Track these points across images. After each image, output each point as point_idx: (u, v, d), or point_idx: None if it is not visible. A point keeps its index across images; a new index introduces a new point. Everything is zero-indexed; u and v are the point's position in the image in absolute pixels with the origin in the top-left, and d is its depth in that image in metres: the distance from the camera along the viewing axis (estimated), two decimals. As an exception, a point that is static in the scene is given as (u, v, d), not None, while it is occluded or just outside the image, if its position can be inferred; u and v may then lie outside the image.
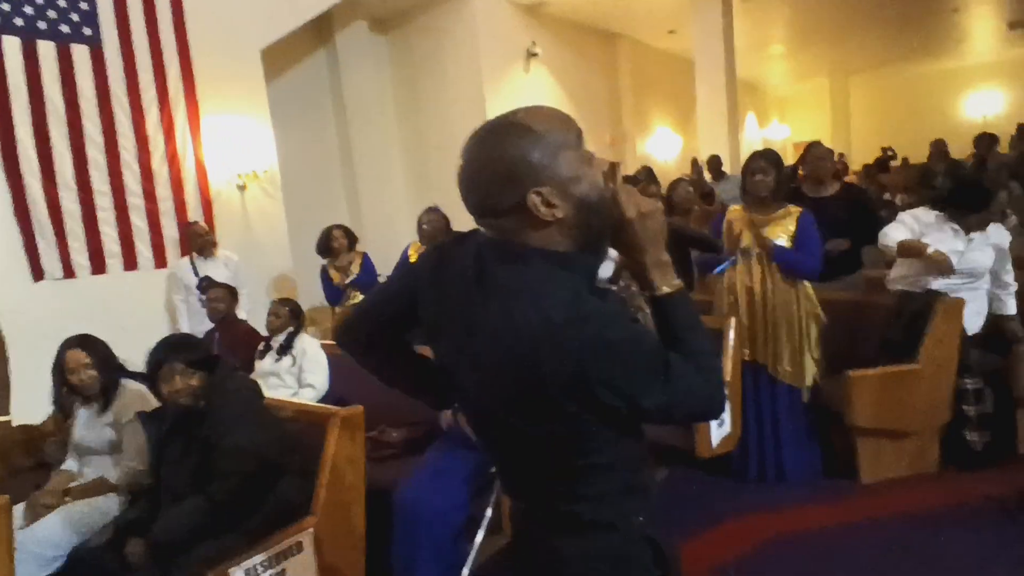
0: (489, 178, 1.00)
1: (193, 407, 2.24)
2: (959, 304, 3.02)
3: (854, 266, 3.79)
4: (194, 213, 5.28)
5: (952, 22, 12.06)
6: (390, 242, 4.97)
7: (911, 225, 3.18)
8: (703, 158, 8.16)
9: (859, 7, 10.42)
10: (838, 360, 3.19)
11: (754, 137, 15.52)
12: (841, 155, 15.28)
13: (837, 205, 3.61)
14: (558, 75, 9.40)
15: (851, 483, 3.17)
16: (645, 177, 7.14)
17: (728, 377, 3.07)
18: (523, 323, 0.95)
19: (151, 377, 2.27)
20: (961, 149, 8.77)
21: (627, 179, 8.75)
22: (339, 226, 4.90)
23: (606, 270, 1.22)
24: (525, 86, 8.86)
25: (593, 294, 1.01)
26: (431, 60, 8.49)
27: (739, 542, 2.82)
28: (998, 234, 3.11)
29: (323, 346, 3.49)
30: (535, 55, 8.76)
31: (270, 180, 5.93)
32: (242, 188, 5.73)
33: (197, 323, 4.50)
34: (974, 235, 3.07)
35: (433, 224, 4.36)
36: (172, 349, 2.27)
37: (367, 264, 4.83)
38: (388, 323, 1.26)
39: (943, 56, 14.88)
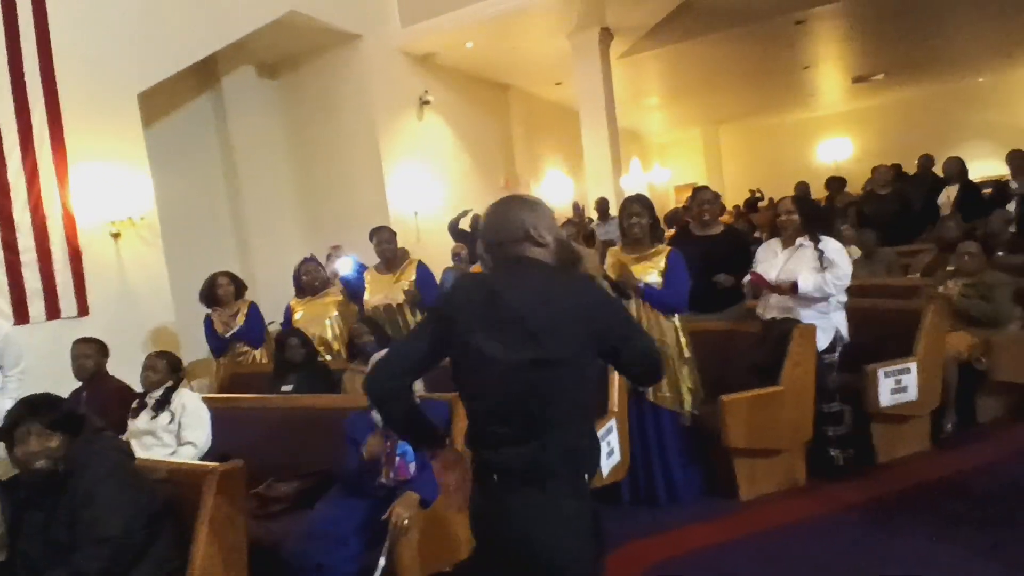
0: (515, 223, 1.61)
1: (52, 472, 2.07)
2: (812, 329, 3.35)
3: (737, 297, 4.12)
4: (60, 263, 4.92)
5: (805, 78, 13.49)
6: (283, 290, 4.84)
7: (756, 264, 3.59)
8: (591, 201, 8.56)
9: (722, 64, 11.45)
10: (714, 385, 3.42)
11: (640, 180, 16.46)
12: (716, 196, 16.48)
13: (721, 243, 3.92)
14: (452, 122, 9.63)
15: (732, 501, 3.36)
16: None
17: (616, 408, 3.23)
18: (549, 289, 1.53)
19: (5, 439, 2.09)
20: (818, 190, 9.74)
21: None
22: (225, 273, 4.72)
23: None
24: (419, 133, 9.01)
25: (594, 283, 1.66)
26: (323, 106, 8.47)
27: (633, 567, 2.91)
28: (826, 244, 3.41)
29: (205, 400, 3.32)
30: (428, 103, 8.94)
31: (148, 227, 5.64)
32: (116, 236, 5.41)
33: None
34: (788, 250, 3.46)
35: (311, 274, 4.38)
36: (30, 409, 2.10)
37: (254, 313, 4.66)
38: (426, 368, 1.68)
39: (799, 108, 16.56)
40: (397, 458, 2.46)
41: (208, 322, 4.60)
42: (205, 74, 7.61)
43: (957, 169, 6.48)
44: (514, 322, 1.49)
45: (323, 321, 4.49)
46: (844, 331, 3.48)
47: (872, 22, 10.12)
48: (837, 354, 3.46)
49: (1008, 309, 4.02)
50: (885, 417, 3.55)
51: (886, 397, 3.48)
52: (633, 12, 8.20)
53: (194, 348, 5.32)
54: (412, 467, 2.43)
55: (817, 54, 12.04)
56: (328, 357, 4.37)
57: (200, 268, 5.05)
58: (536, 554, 1.47)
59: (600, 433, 3.01)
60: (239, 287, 4.71)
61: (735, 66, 11.70)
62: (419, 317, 4.30)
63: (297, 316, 4.55)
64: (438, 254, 7.19)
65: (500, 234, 1.61)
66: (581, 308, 1.50)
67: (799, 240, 3.46)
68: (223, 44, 6.56)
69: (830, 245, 3.43)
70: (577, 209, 10.22)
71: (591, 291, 1.57)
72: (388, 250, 4.44)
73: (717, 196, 4.41)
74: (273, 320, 5.09)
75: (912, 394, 3.52)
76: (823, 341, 3.43)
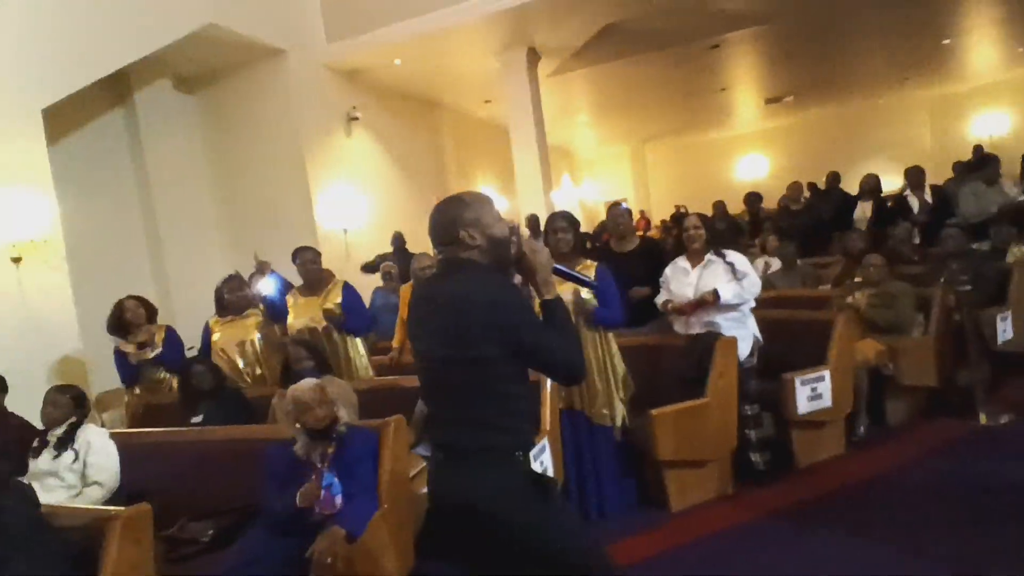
0: (446, 224, 1.71)
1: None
2: (733, 341, 3.47)
3: (656, 311, 4.22)
4: (-48, 290, 4.53)
5: (722, 99, 14.13)
6: (203, 315, 4.61)
7: (666, 283, 3.73)
8: (522, 217, 8.63)
9: (645, 84, 11.86)
10: (643, 399, 3.48)
11: (570, 196, 16.75)
12: (643, 211, 17.01)
13: (638, 257, 4.02)
14: (382, 139, 9.53)
15: (663, 512, 3.42)
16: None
17: (548, 426, 3.23)
18: (468, 291, 1.64)
19: None
20: (738, 205, 10.17)
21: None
22: (133, 297, 4.45)
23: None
24: (348, 149, 8.86)
25: (509, 285, 1.70)
26: (246, 122, 8.21)
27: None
28: (733, 257, 3.59)
29: (114, 435, 3.11)
30: (356, 119, 8.82)
31: (52, 250, 5.28)
32: (17, 260, 5.04)
33: None
34: (699, 267, 3.60)
35: (235, 292, 4.24)
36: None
37: (172, 337, 4.42)
38: None
39: (718, 127, 17.32)
40: (323, 491, 2.37)
41: (118, 350, 4.33)
42: (117, 88, 7.24)
43: (873, 185, 6.90)
44: (437, 323, 1.68)
45: (243, 343, 4.31)
46: (759, 335, 3.65)
47: (781, 47, 10.73)
48: (756, 358, 3.62)
49: (910, 316, 4.30)
50: (803, 424, 3.70)
51: (803, 404, 3.63)
52: (559, 33, 8.38)
53: (105, 378, 4.99)
54: (338, 500, 2.35)
55: (732, 77, 12.64)
56: (248, 381, 4.19)
57: (111, 293, 4.75)
58: (476, 519, 1.64)
59: (533, 453, 3.00)
60: (150, 311, 4.46)
61: (657, 87, 12.14)
62: (347, 340, 4.18)
63: (215, 337, 4.34)
64: (370, 274, 7.08)
65: (438, 238, 1.74)
66: (489, 311, 1.60)
67: (707, 256, 3.60)
68: (136, 57, 6.26)
69: (737, 257, 3.61)
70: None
71: (501, 294, 1.63)
72: (312, 271, 4.29)
73: (628, 211, 4.54)
74: (193, 346, 4.85)
75: (827, 400, 3.69)
76: (744, 348, 3.56)
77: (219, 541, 2.58)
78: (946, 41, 11.86)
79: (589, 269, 3.41)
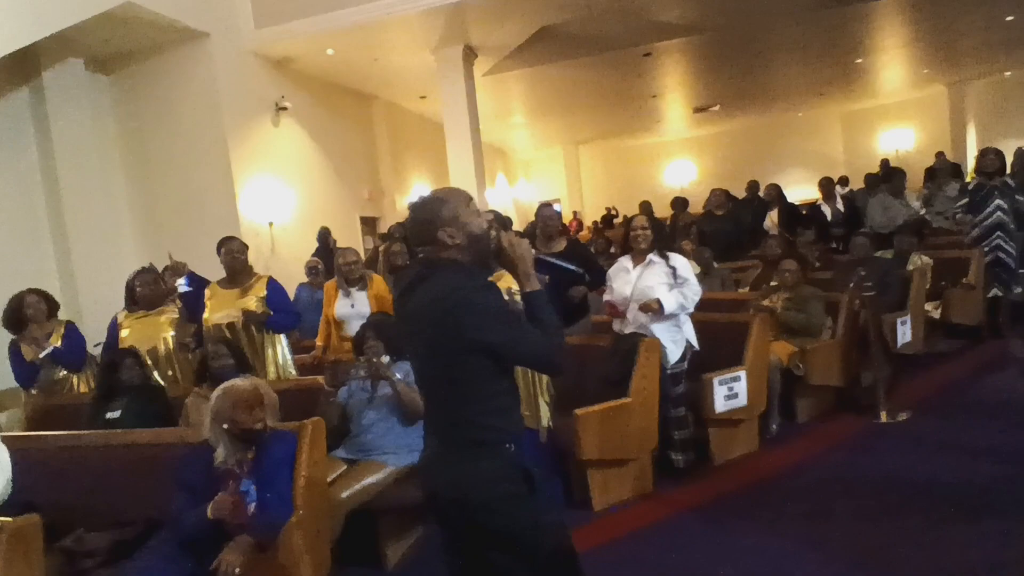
0: (422, 224, 1.73)
1: None
2: (656, 343, 3.56)
3: (583, 312, 4.28)
4: None
5: (653, 105, 14.52)
6: (113, 311, 4.34)
7: (609, 282, 3.78)
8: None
9: (580, 88, 12.04)
10: (568, 400, 3.52)
11: (505, 195, 16.81)
12: (576, 212, 17.28)
13: (565, 258, 4.05)
14: (312, 130, 9.27)
15: (586, 511, 3.46)
16: (398, 234, 7.29)
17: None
18: (437, 294, 1.66)
19: None
20: (665, 209, 10.47)
21: (381, 236, 8.87)
22: (34, 291, 4.12)
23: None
24: (275, 140, 8.58)
25: (483, 286, 1.68)
26: (165, 107, 7.81)
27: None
28: (675, 260, 3.68)
29: (5, 439, 2.87)
30: (284, 109, 8.54)
31: (-59, 238, 4.86)
32: (-101, 248, 4.61)
33: None
34: (640, 266, 3.67)
35: (148, 285, 4.04)
36: None
37: (72, 334, 4.14)
38: None
39: (649, 132, 17.79)
40: (235, 496, 2.27)
41: (14, 348, 4.02)
42: (23, 67, 6.73)
43: (775, 194, 7.36)
44: (416, 324, 1.73)
45: (155, 340, 4.09)
46: (694, 341, 3.73)
47: (709, 58, 11.13)
48: (686, 363, 3.71)
49: (820, 320, 4.53)
50: (720, 422, 3.84)
51: (720, 403, 3.77)
52: (495, 33, 8.38)
53: (1, 377, 4.64)
54: (251, 508, 2.25)
55: (663, 84, 13.01)
56: (160, 381, 3.99)
57: (8, 285, 4.42)
58: (464, 509, 1.70)
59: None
60: (51, 306, 4.16)
61: (591, 91, 12.34)
62: (268, 338, 4.03)
63: (124, 333, 4.09)
64: (296, 268, 6.86)
65: (417, 238, 1.77)
66: (459, 315, 1.63)
67: (650, 256, 3.67)
68: (44, 34, 5.83)
69: (679, 261, 3.67)
70: None
71: (470, 297, 1.64)
72: (239, 261, 4.10)
73: (557, 213, 4.60)
74: (99, 343, 4.57)
75: (743, 399, 3.84)
76: (676, 353, 3.65)
77: (119, 553, 2.43)
78: (858, 60, 12.62)
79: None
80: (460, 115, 8.70)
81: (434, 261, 1.72)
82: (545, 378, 3.45)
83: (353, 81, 9.95)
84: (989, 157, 5.55)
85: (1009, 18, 10.29)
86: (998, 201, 5.34)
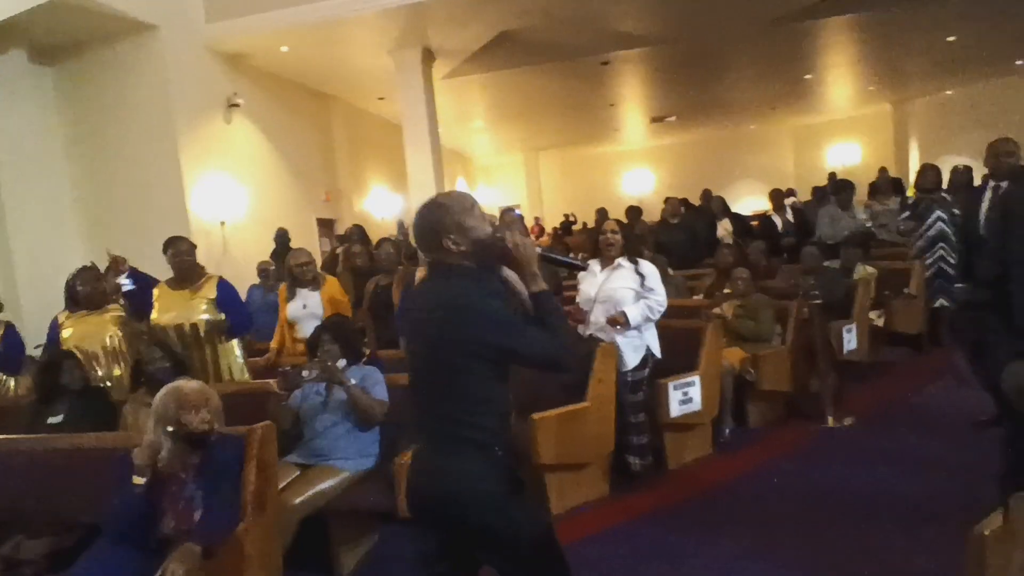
0: (427, 231, 1.75)
1: None
2: (612, 347, 3.59)
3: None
4: None
5: (611, 114, 14.73)
6: (55, 311, 4.13)
7: (579, 285, 3.80)
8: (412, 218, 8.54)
9: (539, 95, 12.12)
10: (526, 404, 3.51)
11: (464, 200, 16.77)
12: (537, 218, 17.37)
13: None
14: (266, 129, 9.08)
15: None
16: (357, 236, 7.20)
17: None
18: (444, 298, 1.72)
19: None
20: (621, 217, 10.62)
21: (339, 238, 8.74)
22: (-30, 291, 3.94)
23: None
24: (227, 137, 8.37)
25: (489, 293, 1.72)
26: (112, 102, 7.54)
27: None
28: (643, 267, 3.73)
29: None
30: (237, 105, 8.34)
31: None
32: None
33: None
34: (608, 269, 3.72)
35: (90, 284, 3.88)
36: None
37: (11, 335, 3.95)
38: None
39: (607, 141, 18.04)
40: (181, 503, 2.19)
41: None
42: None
43: (721, 206, 7.61)
44: (421, 327, 1.78)
45: (99, 340, 3.93)
46: (656, 349, 3.77)
47: (666, 69, 11.35)
48: (647, 370, 3.74)
49: (770, 327, 4.65)
50: (674, 426, 3.90)
51: (675, 408, 3.82)
52: (454, 36, 8.37)
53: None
54: (197, 514, 2.17)
55: (621, 94, 13.21)
56: (102, 384, 3.83)
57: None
58: (441, 499, 1.75)
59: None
60: (-10, 307, 3.97)
61: (551, 98, 12.44)
62: (220, 343, 3.91)
63: (66, 333, 3.91)
64: (249, 269, 6.68)
65: (423, 245, 1.80)
66: (464, 321, 1.67)
67: (619, 260, 3.70)
68: (-19, 21, 5.58)
69: (648, 269, 3.71)
70: (401, 228, 10.12)
71: (476, 303, 1.69)
72: (187, 263, 3.98)
73: (520, 218, 4.62)
74: (40, 344, 4.36)
75: (696, 404, 3.90)
76: (634, 359, 3.69)
77: (59, 561, 2.32)
78: (808, 76, 13.07)
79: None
80: (419, 118, 8.65)
81: (440, 266, 1.76)
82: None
83: (309, 80, 9.79)
84: (927, 174, 5.82)
85: (950, 39, 10.80)
86: (938, 214, 5.58)
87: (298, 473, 2.97)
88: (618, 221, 4.03)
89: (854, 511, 3.22)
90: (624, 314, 3.55)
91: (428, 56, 8.73)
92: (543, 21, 8.08)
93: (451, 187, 14.58)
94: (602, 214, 8.39)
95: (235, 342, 4.01)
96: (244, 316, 4.09)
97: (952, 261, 5.62)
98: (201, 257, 4.20)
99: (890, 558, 2.76)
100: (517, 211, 4.53)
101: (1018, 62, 12.60)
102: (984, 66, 12.78)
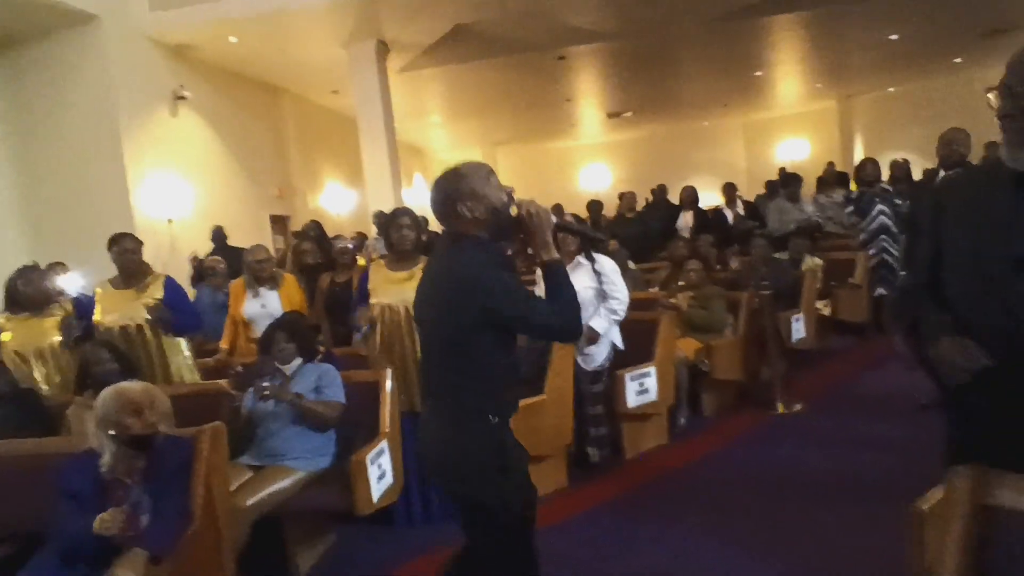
0: (443, 199, 1.79)
1: None
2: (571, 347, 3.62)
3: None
4: None
5: (568, 109, 14.80)
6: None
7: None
8: (370, 214, 8.43)
9: (496, 89, 12.10)
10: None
11: (424, 195, 16.65)
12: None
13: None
14: (214, 122, 8.82)
15: (502, 510, 3.48)
16: (312, 232, 7.09)
17: (387, 428, 3.16)
18: (455, 268, 1.76)
19: None
20: (581, 212, 10.70)
21: (295, 234, 8.56)
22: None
23: None
24: (173, 131, 8.11)
25: (499, 263, 1.77)
26: (52, 95, 7.23)
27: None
28: (602, 264, 3.76)
29: None
30: (183, 98, 8.08)
31: None
32: None
33: None
34: (568, 267, 3.72)
35: (32, 284, 3.73)
36: None
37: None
38: None
39: (565, 136, 18.12)
40: (127, 508, 2.11)
41: None
42: None
43: (691, 197, 7.63)
44: (429, 295, 1.83)
45: (41, 343, 3.77)
46: (619, 342, 3.84)
47: (621, 65, 11.46)
48: (609, 364, 3.80)
49: (722, 317, 4.76)
50: (631, 417, 3.96)
51: (632, 399, 3.88)
52: (409, 28, 8.28)
53: None
54: (143, 520, 2.10)
55: (577, 89, 13.29)
56: (46, 388, 3.67)
57: None
58: (438, 465, 1.88)
59: (370, 456, 2.93)
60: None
61: (508, 93, 12.43)
62: (166, 340, 3.79)
63: (5, 337, 3.74)
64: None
65: (438, 213, 1.82)
66: (471, 290, 1.70)
67: (577, 258, 3.72)
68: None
69: (606, 266, 3.74)
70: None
71: (483, 273, 1.72)
72: (132, 261, 3.84)
73: None
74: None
75: (652, 395, 3.97)
76: (601, 356, 3.74)
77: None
78: (758, 73, 13.37)
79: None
80: (374, 112, 8.54)
81: (452, 236, 1.80)
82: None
83: (260, 72, 9.55)
84: (867, 167, 6.05)
85: (892, 37, 11.18)
86: (880, 207, 5.78)
87: (250, 475, 2.91)
88: (576, 216, 4.04)
89: (805, 491, 3.33)
90: (592, 329, 3.62)
91: (383, 49, 8.62)
92: (499, 15, 8.06)
93: (408, 183, 14.47)
94: (558, 210, 8.42)
95: (182, 342, 3.89)
96: (193, 316, 3.98)
97: (895, 252, 5.84)
98: (147, 256, 4.06)
99: (839, 534, 2.86)
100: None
101: (956, 60, 13.13)
102: (925, 64, 13.28)
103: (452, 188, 1.76)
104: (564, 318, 1.75)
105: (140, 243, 3.94)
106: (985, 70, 11.66)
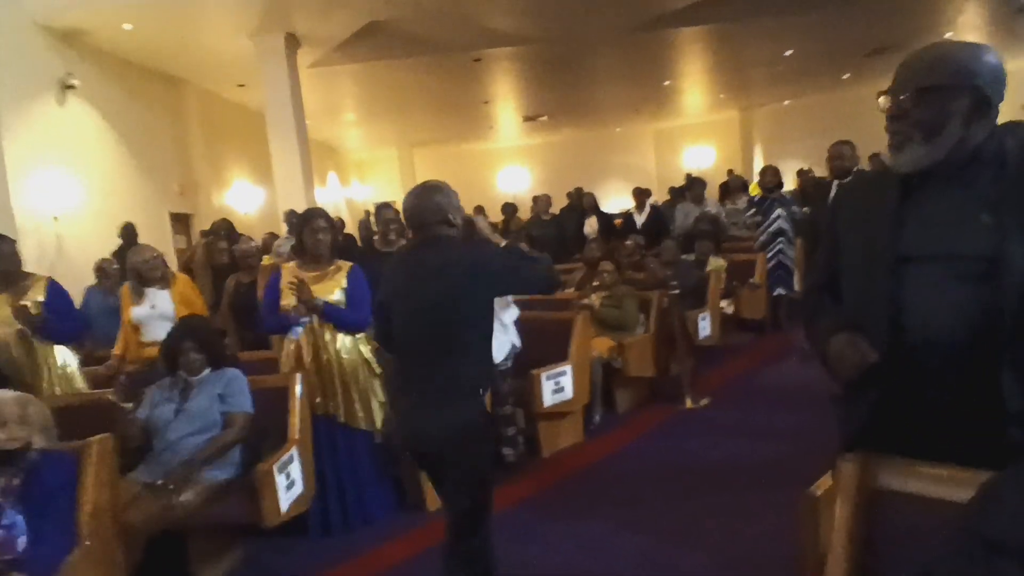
0: (436, 208, 2.15)
1: None
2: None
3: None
4: None
5: (485, 111, 14.83)
6: None
7: None
8: (281, 213, 8.10)
9: (412, 89, 11.95)
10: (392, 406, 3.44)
11: (337, 195, 16.20)
12: (398, 214, 17.11)
13: None
14: (106, 113, 8.23)
15: (421, 513, 3.41)
16: (224, 231, 6.80)
17: (297, 435, 3.04)
18: (448, 258, 2.10)
19: None
20: (497, 215, 10.74)
21: (204, 233, 8.09)
22: None
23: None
24: (60, 122, 7.50)
25: (478, 244, 2.35)
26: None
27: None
28: None
29: None
30: (72, 87, 7.49)
31: None
32: None
33: None
34: None
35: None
36: None
37: None
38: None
39: (483, 139, 18.15)
40: (1, 531, 1.92)
41: None
42: None
43: (592, 203, 7.97)
44: (420, 286, 2.09)
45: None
46: (517, 341, 3.84)
47: (537, 69, 11.60)
48: (510, 362, 3.81)
49: (634, 316, 4.90)
50: (547, 415, 4.00)
51: (548, 397, 3.92)
52: (321, 22, 8.03)
53: None
54: (21, 542, 1.92)
55: (494, 91, 13.34)
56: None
57: None
58: (432, 438, 2.11)
59: (278, 465, 2.81)
60: None
61: (424, 93, 12.31)
62: (44, 348, 3.48)
63: None
64: (86, 269, 6.02)
65: (423, 217, 2.14)
66: (472, 270, 2.07)
67: None
68: None
69: None
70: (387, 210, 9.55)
71: (478, 254, 2.16)
72: (11, 263, 3.53)
73: (398, 213, 4.54)
74: None
75: (568, 393, 4.03)
76: (500, 354, 3.72)
77: None
78: (667, 83, 13.91)
79: (342, 271, 3.31)
80: (284, 108, 8.23)
81: (433, 236, 2.14)
82: (378, 381, 3.36)
83: (158, 62, 8.99)
84: (767, 174, 6.45)
85: (788, 52, 11.92)
86: (779, 211, 6.15)
87: (139, 490, 2.71)
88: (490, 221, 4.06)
89: (711, 481, 3.48)
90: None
91: (292, 42, 8.31)
92: (413, 13, 7.96)
93: (321, 182, 14.04)
94: (478, 211, 8.46)
95: (64, 350, 3.61)
96: (75, 322, 3.71)
97: (790, 254, 6.22)
98: (31, 255, 3.75)
99: (743, 521, 3.01)
100: (391, 207, 4.39)
101: (844, 76, 14.15)
102: (816, 79, 14.24)
103: (441, 199, 2.15)
104: (545, 271, 2.36)
105: (14, 241, 3.63)
106: (870, 86, 12.64)
